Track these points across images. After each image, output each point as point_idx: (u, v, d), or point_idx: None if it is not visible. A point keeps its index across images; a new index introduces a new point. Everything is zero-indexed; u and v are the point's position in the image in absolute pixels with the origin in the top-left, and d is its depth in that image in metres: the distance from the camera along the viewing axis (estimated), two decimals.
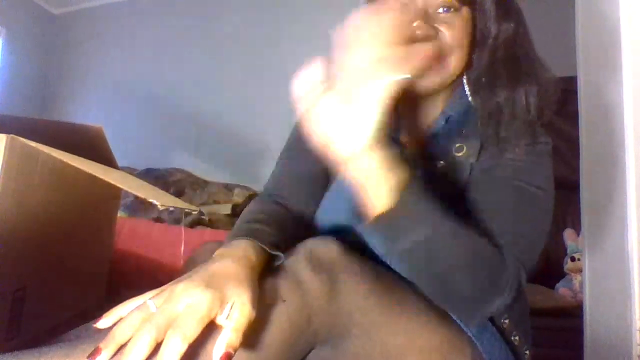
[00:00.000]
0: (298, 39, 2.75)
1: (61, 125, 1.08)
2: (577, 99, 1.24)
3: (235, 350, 0.43)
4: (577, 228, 1.67)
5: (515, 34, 0.69)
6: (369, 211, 0.54)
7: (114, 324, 0.44)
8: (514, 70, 0.68)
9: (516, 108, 0.67)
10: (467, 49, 0.69)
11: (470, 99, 0.72)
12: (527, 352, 0.71)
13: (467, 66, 0.71)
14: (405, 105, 0.75)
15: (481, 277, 0.59)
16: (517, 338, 0.69)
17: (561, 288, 1.67)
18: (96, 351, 0.42)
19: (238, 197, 2.40)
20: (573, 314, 1.34)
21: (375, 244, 0.58)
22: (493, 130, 0.67)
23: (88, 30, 3.32)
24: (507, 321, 0.69)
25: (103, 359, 0.42)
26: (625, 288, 0.96)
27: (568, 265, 1.71)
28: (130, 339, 0.42)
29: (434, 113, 0.75)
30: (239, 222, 0.73)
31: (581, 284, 1.39)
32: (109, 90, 3.20)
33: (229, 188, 2.48)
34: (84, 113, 3.19)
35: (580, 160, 1.22)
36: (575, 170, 1.26)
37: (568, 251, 1.75)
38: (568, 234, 1.78)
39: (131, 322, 0.43)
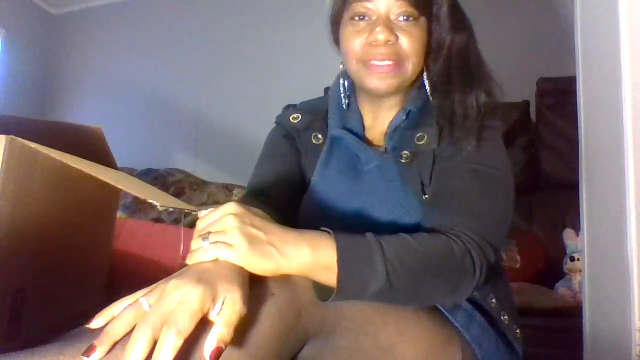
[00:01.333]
0: (298, 39, 2.75)
1: (61, 126, 1.08)
2: (576, 99, 1.25)
3: (226, 346, 0.43)
4: (576, 228, 1.67)
5: (467, 45, 0.76)
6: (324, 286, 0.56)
7: (108, 323, 0.45)
8: (467, 77, 0.74)
9: (468, 110, 0.72)
10: (423, 56, 0.75)
11: (430, 96, 0.77)
12: (518, 331, 0.73)
13: (426, 69, 0.77)
14: (368, 105, 0.82)
15: (448, 276, 0.61)
16: (506, 317, 0.71)
17: (561, 288, 1.67)
18: (91, 348, 0.42)
19: (238, 197, 2.40)
20: (573, 314, 1.34)
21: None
22: (448, 130, 0.73)
23: (88, 30, 3.32)
24: (494, 301, 0.71)
25: (98, 356, 0.42)
26: (625, 288, 0.96)
27: (568, 265, 1.71)
28: (124, 336, 0.43)
29: (394, 110, 0.80)
30: None
31: (581, 284, 1.38)
32: (109, 90, 3.20)
33: (229, 189, 2.48)
34: (83, 113, 3.19)
35: (580, 160, 1.22)
36: (575, 170, 1.26)
37: (568, 251, 1.75)
38: (568, 234, 1.78)
39: (125, 319, 0.44)
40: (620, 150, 0.98)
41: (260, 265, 0.50)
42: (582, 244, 1.24)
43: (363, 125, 0.82)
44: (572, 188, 1.31)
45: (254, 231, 0.51)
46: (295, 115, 0.86)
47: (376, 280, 0.55)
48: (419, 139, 0.74)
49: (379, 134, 0.80)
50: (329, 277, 0.54)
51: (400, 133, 0.77)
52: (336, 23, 0.81)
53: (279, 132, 0.88)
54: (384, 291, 0.56)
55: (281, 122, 0.88)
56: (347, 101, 0.83)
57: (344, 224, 0.71)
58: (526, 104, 2.05)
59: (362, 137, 0.80)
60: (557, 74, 1.96)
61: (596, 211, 1.14)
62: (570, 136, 1.47)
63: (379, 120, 0.81)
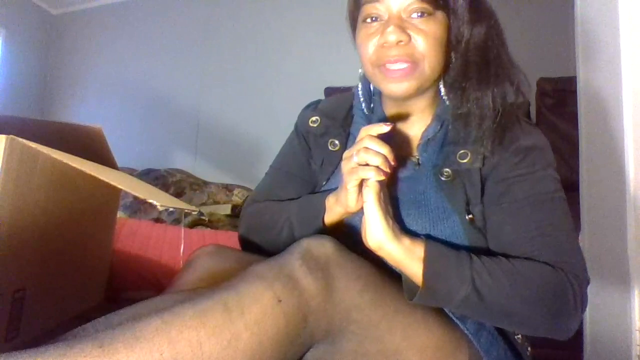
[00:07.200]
0: (298, 39, 2.75)
1: (61, 125, 1.08)
2: (576, 99, 1.24)
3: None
4: (576, 228, 1.67)
5: (486, 36, 0.70)
6: (414, 281, 0.62)
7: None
8: (484, 73, 0.70)
9: (484, 110, 0.68)
10: (442, 52, 0.70)
11: (444, 96, 0.74)
12: (529, 348, 0.72)
13: (445, 69, 0.72)
14: (394, 109, 0.77)
15: (547, 301, 0.60)
16: (519, 336, 0.70)
17: None
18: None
19: (238, 197, 2.40)
20: None
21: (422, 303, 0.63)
22: (464, 131, 0.70)
23: (88, 30, 3.32)
24: None
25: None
26: (625, 288, 0.96)
27: None
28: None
29: (423, 114, 0.76)
30: (267, 215, 0.80)
31: None
32: (109, 90, 3.20)
33: (229, 188, 2.48)
34: (83, 113, 3.19)
35: (580, 160, 1.22)
36: (575, 170, 1.26)
37: None
38: None
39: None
40: (620, 150, 0.98)
41: (380, 220, 0.60)
42: (582, 244, 1.24)
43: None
44: (572, 188, 1.30)
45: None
46: (314, 119, 0.83)
47: (462, 284, 0.58)
48: (461, 157, 0.70)
49: (408, 141, 0.77)
50: (417, 272, 0.60)
51: (435, 146, 0.73)
52: (353, 26, 0.78)
53: (295, 139, 0.87)
54: (472, 300, 0.58)
55: (299, 125, 0.87)
56: (371, 105, 0.80)
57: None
58: (526, 104, 2.05)
59: (388, 143, 0.78)
60: (557, 74, 1.96)
61: (596, 211, 1.14)
62: (570, 136, 1.46)
63: (406, 125, 0.77)
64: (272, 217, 0.78)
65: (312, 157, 0.84)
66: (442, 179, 0.70)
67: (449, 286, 0.59)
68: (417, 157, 0.74)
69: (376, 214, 0.60)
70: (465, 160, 0.69)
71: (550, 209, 0.66)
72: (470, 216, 0.67)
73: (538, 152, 0.69)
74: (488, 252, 0.65)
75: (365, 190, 0.61)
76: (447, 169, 0.70)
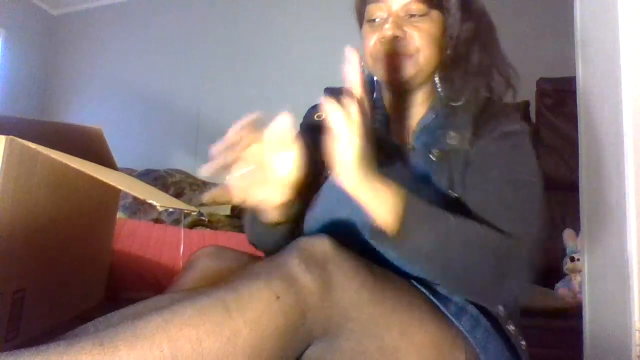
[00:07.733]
0: (298, 39, 2.76)
1: (60, 126, 1.08)
2: (576, 99, 1.25)
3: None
4: (576, 228, 1.67)
5: (475, 32, 0.78)
6: (380, 226, 0.62)
7: None
8: (469, 64, 0.78)
9: (467, 100, 0.76)
10: (436, 47, 0.77)
11: (437, 87, 0.80)
12: (523, 342, 0.73)
13: (442, 65, 0.79)
14: (393, 101, 0.84)
15: (493, 262, 0.63)
16: (512, 327, 0.71)
17: (560, 288, 1.67)
18: None
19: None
20: (573, 314, 1.34)
21: (388, 251, 0.64)
22: (453, 117, 0.76)
23: (87, 31, 3.33)
24: (502, 308, 0.71)
25: None
26: (625, 288, 0.96)
27: (567, 265, 1.71)
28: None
29: (420, 107, 0.82)
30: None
31: (581, 284, 1.38)
32: (109, 90, 3.21)
33: None
34: (83, 113, 3.19)
35: (580, 161, 1.22)
36: (575, 170, 1.26)
37: (567, 251, 1.74)
38: (567, 235, 1.78)
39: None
40: (620, 150, 0.98)
41: (353, 166, 0.59)
42: (582, 244, 1.24)
43: (387, 120, 0.84)
44: (572, 188, 1.30)
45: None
46: (319, 114, 0.87)
47: (430, 234, 0.61)
48: (450, 138, 0.75)
49: (405, 131, 0.82)
50: (388, 218, 0.61)
51: (428, 131, 0.78)
52: (359, 21, 0.85)
53: (301, 134, 0.88)
54: (437, 253, 0.61)
55: (304, 124, 0.90)
56: (374, 94, 0.85)
57: (363, 220, 0.70)
58: (526, 104, 2.05)
59: (386, 131, 0.82)
60: (557, 74, 1.96)
61: (596, 211, 1.14)
62: (570, 136, 1.47)
63: (404, 117, 0.83)
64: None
65: (316, 152, 0.84)
66: (432, 158, 0.74)
67: (420, 236, 0.61)
68: (412, 143, 0.79)
69: (349, 161, 0.60)
70: (453, 142, 0.75)
71: (522, 189, 0.70)
72: (455, 195, 0.71)
73: (519, 138, 0.74)
74: None
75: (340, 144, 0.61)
76: (436, 149, 0.75)
